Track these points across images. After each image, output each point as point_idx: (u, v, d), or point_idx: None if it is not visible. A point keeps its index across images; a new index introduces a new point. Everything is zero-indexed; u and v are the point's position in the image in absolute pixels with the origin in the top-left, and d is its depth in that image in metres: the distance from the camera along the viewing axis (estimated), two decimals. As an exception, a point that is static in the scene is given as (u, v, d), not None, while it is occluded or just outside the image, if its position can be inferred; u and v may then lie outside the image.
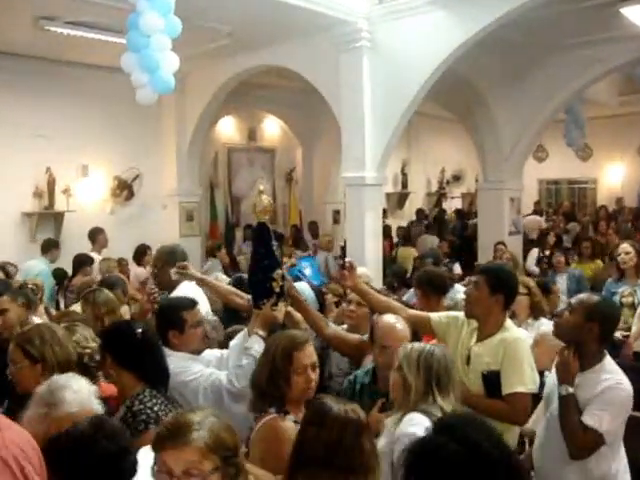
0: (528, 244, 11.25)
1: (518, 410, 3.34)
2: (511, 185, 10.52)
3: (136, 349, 3.19)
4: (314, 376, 2.95)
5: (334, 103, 8.31)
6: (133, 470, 2.32)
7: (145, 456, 2.29)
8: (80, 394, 2.58)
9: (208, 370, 3.54)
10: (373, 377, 3.44)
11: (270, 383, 2.91)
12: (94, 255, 8.48)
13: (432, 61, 7.38)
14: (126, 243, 9.46)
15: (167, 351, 3.54)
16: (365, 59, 7.85)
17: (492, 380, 3.38)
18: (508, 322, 3.62)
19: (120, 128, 10.14)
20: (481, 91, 9.95)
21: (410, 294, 6.20)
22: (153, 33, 5.59)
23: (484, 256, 9.94)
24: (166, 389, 3.24)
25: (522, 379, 3.34)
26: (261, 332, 3.54)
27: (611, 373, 3.16)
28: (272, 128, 13.51)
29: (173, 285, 4.81)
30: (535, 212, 15.41)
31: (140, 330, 3.27)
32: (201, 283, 4.73)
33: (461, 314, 3.76)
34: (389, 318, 3.43)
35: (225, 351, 3.82)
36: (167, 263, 4.90)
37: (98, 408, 2.62)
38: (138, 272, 8.86)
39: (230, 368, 3.48)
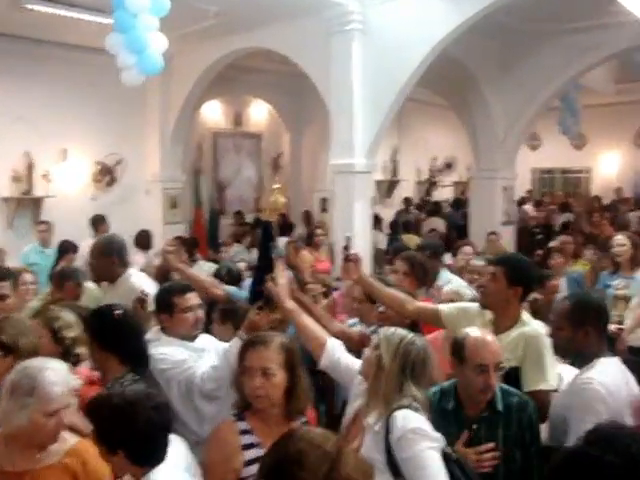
0: (523, 234, 11.37)
1: (540, 408, 3.24)
2: (504, 174, 10.60)
3: (116, 330, 3.40)
4: (258, 382, 2.75)
5: (323, 88, 8.36)
6: (166, 446, 2.53)
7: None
8: (59, 372, 2.69)
9: (188, 364, 3.58)
10: (456, 400, 3.13)
11: (235, 385, 2.95)
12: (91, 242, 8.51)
13: (425, 45, 7.44)
14: (108, 229, 9.49)
15: (155, 335, 3.76)
16: (356, 43, 7.89)
17: (512, 376, 3.33)
18: (525, 315, 3.63)
19: (102, 111, 10.14)
20: (475, 77, 10.01)
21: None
22: (140, 12, 5.64)
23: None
24: (145, 370, 3.44)
25: (545, 376, 3.36)
26: (244, 336, 3.49)
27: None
28: (259, 113, 13.56)
29: (113, 276, 4.86)
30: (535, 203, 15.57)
31: (119, 312, 3.48)
32: (180, 272, 4.87)
33: (472, 305, 3.80)
34: (476, 332, 3.11)
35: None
36: (103, 254, 4.92)
37: (76, 382, 2.77)
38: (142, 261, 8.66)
39: (207, 367, 3.53)
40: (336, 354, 3.32)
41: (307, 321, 3.48)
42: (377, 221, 12.24)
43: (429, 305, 4.02)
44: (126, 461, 2.43)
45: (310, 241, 8.57)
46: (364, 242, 8.34)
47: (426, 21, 7.40)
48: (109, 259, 4.86)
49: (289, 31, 8.51)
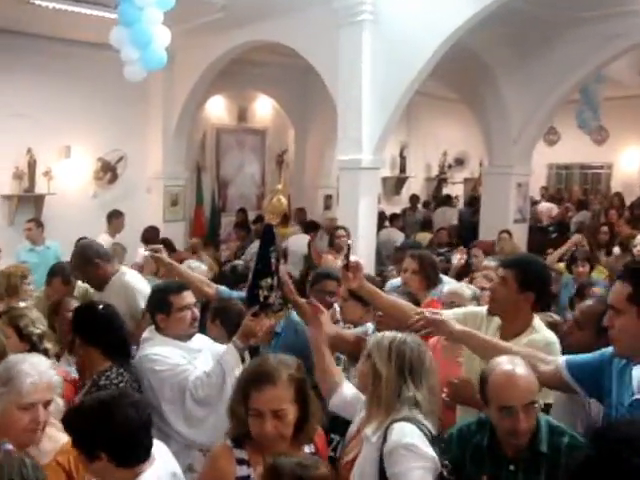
0: (537, 232, 11.42)
1: None
2: (519, 170, 10.54)
3: (100, 325, 3.59)
4: (270, 427, 2.55)
5: (331, 81, 8.39)
6: (150, 446, 2.57)
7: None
8: (38, 366, 2.74)
9: (183, 367, 3.65)
10: (492, 436, 2.78)
11: (232, 412, 2.74)
12: (106, 238, 8.71)
13: (438, 36, 7.40)
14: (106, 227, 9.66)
15: (149, 334, 3.86)
16: (366, 34, 7.87)
17: None
18: (537, 321, 3.46)
19: (104, 108, 10.30)
20: (490, 69, 9.94)
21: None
22: (146, 5, 5.77)
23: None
24: (128, 363, 3.61)
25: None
26: (239, 342, 3.60)
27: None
28: (264, 108, 13.64)
29: (104, 279, 4.93)
30: (549, 199, 15.58)
31: (101, 306, 3.71)
32: (170, 269, 4.99)
33: (480, 309, 3.67)
34: (504, 366, 2.71)
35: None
36: (86, 262, 4.96)
37: (57, 379, 2.83)
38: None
39: (201, 372, 3.61)
40: (348, 394, 3.20)
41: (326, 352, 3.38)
42: (393, 218, 12.41)
43: (433, 311, 3.82)
44: (110, 465, 2.43)
45: (331, 242, 8.33)
46: (369, 241, 8.43)
47: (439, 10, 7.37)
48: (93, 265, 4.91)
49: (296, 23, 8.55)
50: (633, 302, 2.51)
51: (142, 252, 5.65)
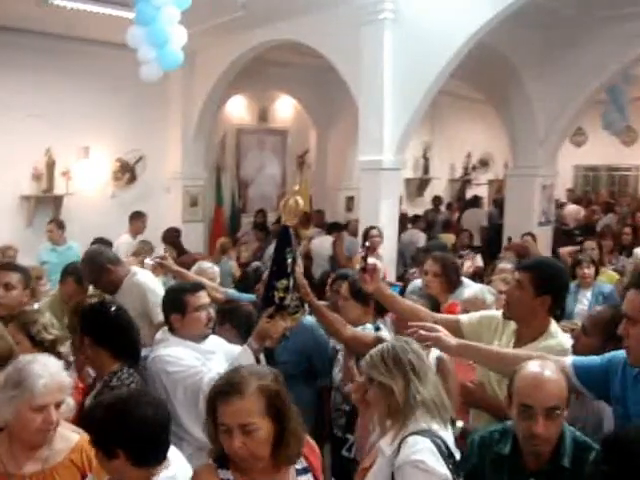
0: (562, 236, 11.31)
1: None
2: (544, 171, 10.46)
3: (111, 327, 3.53)
4: (238, 443, 2.28)
5: (352, 81, 8.37)
6: (167, 448, 2.57)
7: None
8: (49, 367, 2.74)
9: (197, 369, 3.64)
10: (514, 446, 2.67)
11: (206, 429, 2.49)
12: (127, 238, 8.81)
13: (460, 35, 7.37)
14: (127, 228, 9.70)
15: (163, 335, 3.85)
16: (387, 33, 7.86)
17: None
18: (554, 326, 3.38)
19: (123, 108, 10.35)
20: (515, 68, 9.85)
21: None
22: (163, 4, 5.77)
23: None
24: (138, 365, 3.56)
25: None
26: (254, 344, 3.58)
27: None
28: (285, 108, 13.63)
29: (117, 283, 4.92)
30: (575, 201, 15.42)
31: (114, 308, 3.64)
32: (177, 275, 5.02)
33: (497, 313, 3.62)
34: (534, 367, 2.62)
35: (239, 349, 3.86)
36: (97, 269, 4.95)
37: (69, 380, 2.82)
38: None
39: (215, 374, 3.53)
40: None
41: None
42: (416, 219, 12.34)
43: (449, 317, 3.85)
44: (127, 464, 2.43)
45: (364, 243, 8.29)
46: (390, 242, 8.40)
47: (462, 9, 7.33)
48: (105, 270, 4.90)
49: (317, 22, 8.55)
50: None
51: (148, 262, 5.63)
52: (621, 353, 2.68)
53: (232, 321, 4.34)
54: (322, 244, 10.07)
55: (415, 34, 7.71)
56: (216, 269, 6.11)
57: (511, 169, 11.19)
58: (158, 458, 2.51)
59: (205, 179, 11.77)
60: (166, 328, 3.88)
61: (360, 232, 8.48)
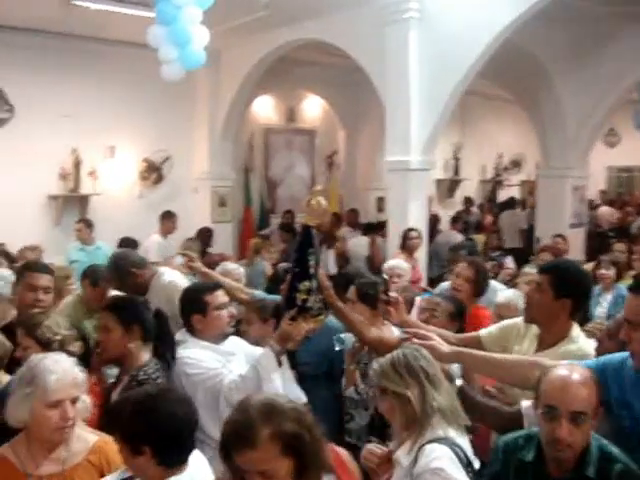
0: (596, 238, 11.10)
1: None
2: (575, 172, 10.32)
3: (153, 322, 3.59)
4: None
5: (378, 81, 8.32)
6: (192, 449, 2.58)
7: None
8: (60, 363, 2.74)
9: (217, 370, 3.60)
10: (538, 452, 2.55)
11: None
12: (157, 239, 8.87)
13: (485, 34, 7.28)
14: (154, 228, 9.69)
15: (182, 336, 3.80)
16: (412, 32, 7.81)
17: None
18: (576, 330, 3.31)
19: (150, 107, 10.35)
20: (544, 67, 9.72)
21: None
22: (184, 4, 5.72)
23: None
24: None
25: None
26: (275, 346, 3.51)
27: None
28: (313, 108, 13.56)
29: (146, 286, 4.90)
30: (607, 203, 15.19)
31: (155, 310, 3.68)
32: (204, 276, 4.98)
33: (518, 320, 3.56)
34: (563, 369, 2.52)
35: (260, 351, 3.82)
36: (125, 273, 4.93)
37: (83, 376, 2.80)
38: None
39: (235, 376, 3.54)
40: None
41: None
42: (454, 220, 12.21)
43: (470, 335, 3.78)
44: (152, 461, 2.43)
45: (403, 244, 7.93)
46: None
47: (488, 6, 7.25)
48: (131, 274, 4.89)
49: (342, 21, 8.51)
50: None
51: (178, 260, 5.61)
52: (617, 356, 2.62)
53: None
54: (358, 244, 10.07)
55: (441, 33, 7.64)
56: (241, 270, 6.08)
57: (542, 170, 11.05)
58: (181, 458, 2.52)
59: (233, 179, 11.74)
60: (184, 330, 3.84)
61: (390, 233, 8.43)
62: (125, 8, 7.95)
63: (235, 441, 2.13)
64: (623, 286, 6.37)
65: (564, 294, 3.20)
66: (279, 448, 2.11)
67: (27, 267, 4.25)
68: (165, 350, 3.58)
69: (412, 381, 2.69)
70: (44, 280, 4.13)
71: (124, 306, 3.68)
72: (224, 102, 10.87)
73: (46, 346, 3.47)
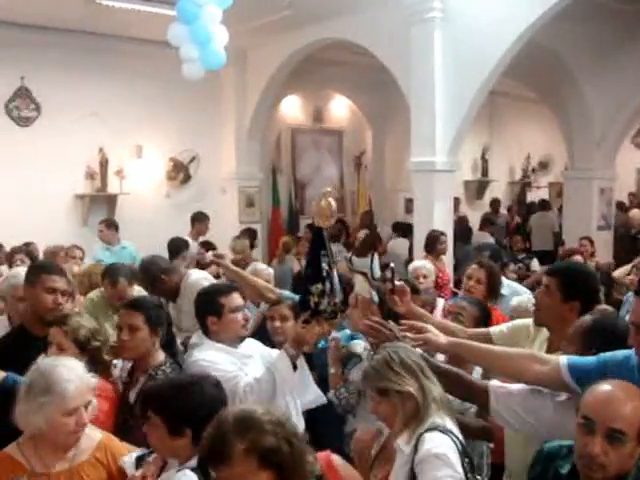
0: (626, 240, 10.89)
1: None
2: (602, 174, 10.16)
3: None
4: None
5: (403, 81, 8.27)
6: None
7: None
8: (76, 370, 2.73)
9: (232, 373, 3.54)
10: (574, 466, 2.34)
11: None
12: (188, 240, 8.79)
13: (510, 34, 7.21)
14: (182, 228, 9.65)
15: (198, 339, 3.77)
16: (437, 32, 7.76)
17: None
18: None
19: (176, 107, 10.34)
20: (569, 66, 9.56)
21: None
22: (205, 3, 5.69)
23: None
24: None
25: None
26: (290, 350, 3.46)
27: None
28: (340, 108, 13.50)
29: (176, 290, 4.98)
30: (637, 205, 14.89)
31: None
32: (233, 275, 4.95)
33: (528, 321, 3.55)
34: (608, 385, 2.30)
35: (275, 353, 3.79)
36: (154, 280, 5.03)
37: (94, 381, 2.82)
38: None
39: (251, 378, 3.50)
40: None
41: None
42: (484, 223, 12.08)
43: (481, 331, 3.72)
44: (191, 443, 2.52)
45: (432, 248, 7.69)
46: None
47: (512, 6, 7.18)
48: (160, 280, 4.97)
49: (366, 21, 8.46)
50: None
51: (209, 255, 5.58)
52: (619, 354, 2.52)
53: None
54: (398, 247, 10.09)
55: (465, 33, 7.58)
56: (270, 270, 6.09)
57: (568, 172, 10.89)
58: None
59: (261, 180, 11.70)
60: (200, 332, 3.80)
61: (417, 234, 8.34)
62: (150, 7, 7.96)
63: (211, 457, 2.09)
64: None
65: (572, 296, 3.18)
66: (256, 463, 2.04)
67: (43, 268, 4.13)
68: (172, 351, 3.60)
69: (410, 376, 2.69)
70: (62, 283, 4.02)
71: (152, 307, 3.68)
72: (251, 102, 10.86)
73: (86, 351, 3.45)
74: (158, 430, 2.61)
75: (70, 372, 2.68)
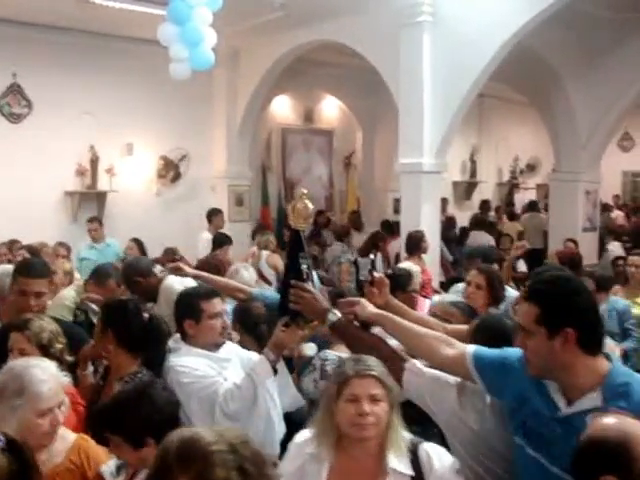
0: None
1: None
2: (587, 176, 10.20)
3: (141, 333, 3.45)
4: None
5: (392, 83, 8.29)
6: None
7: None
8: (49, 370, 2.69)
9: (211, 379, 3.48)
10: None
11: None
12: (208, 236, 8.89)
13: (498, 38, 7.25)
14: (172, 226, 9.66)
15: (175, 343, 3.65)
16: (426, 35, 7.78)
17: None
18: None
19: (168, 106, 10.31)
20: (556, 70, 9.62)
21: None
22: (197, 4, 5.67)
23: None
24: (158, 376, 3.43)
25: None
26: (270, 355, 3.38)
27: None
28: (330, 109, 13.51)
29: (154, 293, 4.87)
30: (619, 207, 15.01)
31: (147, 315, 3.55)
32: (201, 279, 4.77)
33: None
34: None
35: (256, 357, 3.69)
36: (133, 281, 5.00)
37: (66, 379, 2.80)
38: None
39: (231, 384, 3.43)
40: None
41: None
42: (477, 223, 12.13)
43: (461, 328, 3.52)
44: (155, 448, 2.39)
45: (415, 248, 7.63)
46: (432, 246, 8.17)
47: (500, 11, 7.22)
48: (135, 283, 4.93)
49: (357, 23, 8.47)
50: (541, 323, 2.30)
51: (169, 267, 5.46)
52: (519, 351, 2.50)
53: (242, 321, 4.25)
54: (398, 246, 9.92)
55: (453, 37, 7.61)
56: (247, 274, 5.91)
57: (554, 174, 10.94)
58: None
59: (251, 179, 11.68)
60: (178, 336, 3.70)
61: (403, 234, 8.29)
62: (141, 6, 7.94)
63: None
64: (617, 299, 6.15)
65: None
66: None
67: (20, 270, 4.08)
68: (153, 355, 3.48)
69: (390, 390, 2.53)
70: (35, 285, 3.95)
71: (107, 308, 3.65)
72: (242, 101, 10.84)
73: (47, 353, 3.33)
74: (121, 447, 2.58)
75: (44, 372, 2.64)
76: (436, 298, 4.76)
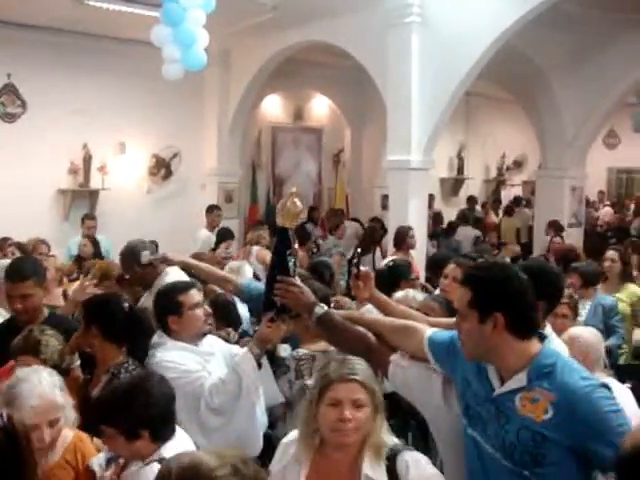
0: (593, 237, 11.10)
1: None
2: (573, 173, 10.33)
3: (125, 323, 3.51)
4: None
5: (381, 82, 8.35)
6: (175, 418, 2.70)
7: None
8: (41, 386, 2.67)
9: (197, 374, 3.50)
10: None
11: None
12: (206, 232, 8.99)
13: (485, 38, 7.32)
14: (163, 223, 9.71)
15: (159, 339, 3.65)
16: (414, 35, 7.84)
17: None
18: (547, 328, 3.18)
19: (160, 105, 10.35)
20: (542, 70, 9.75)
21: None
22: (190, 6, 5.74)
23: (539, 249, 9.91)
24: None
25: None
26: (255, 349, 3.41)
27: None
28: (320, 107, 13.59)
29: (149, 281, 4.85)
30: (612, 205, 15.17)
31: (127, 305, 3.62)
32: (192, 266, 4.78)
33: None
34: None
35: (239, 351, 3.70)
36: (125, 264, 5.01)
37: (62, 401, 2.73)
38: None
39: (216, 379, 3.45)
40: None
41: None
42: (461, 218, 12.27)
43: (446, 320, 3.40)
44: (150, 442, 2.54)
45: (401, 243, 7.65)
46: (420, 242, 8.20)
47: (488, 11, 7.29)
48: (133, 271, 4.92)
49: (346, 24, 8.54)
50: (474, 307, 2.39)
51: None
52: None
53: (216, 313, 4.36)
54: None
55: (442, 37, 7.67)
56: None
57: (540, 170, 11.10)
58: (173, 432, 2.67)
59: (240, 176, 11.75)
60: (161, 332, 3.67)
61: (390, 230, 8.36)
62: (134, 8, 8.00)
63: None
64: (605, 295, 6.12)
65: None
66: None
67: (5, 274, 4.07)
68: (136, 348, 3.52)
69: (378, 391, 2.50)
70: (18, 289, 3.95)
71: (89, 305, 3.66)
72: (233, 100, 10.91)
73: (58, 369, 3.27)
74: (116, 439, 2.58)
75: (34, 389, 2.63)
76: (399, 294, 4.74)
